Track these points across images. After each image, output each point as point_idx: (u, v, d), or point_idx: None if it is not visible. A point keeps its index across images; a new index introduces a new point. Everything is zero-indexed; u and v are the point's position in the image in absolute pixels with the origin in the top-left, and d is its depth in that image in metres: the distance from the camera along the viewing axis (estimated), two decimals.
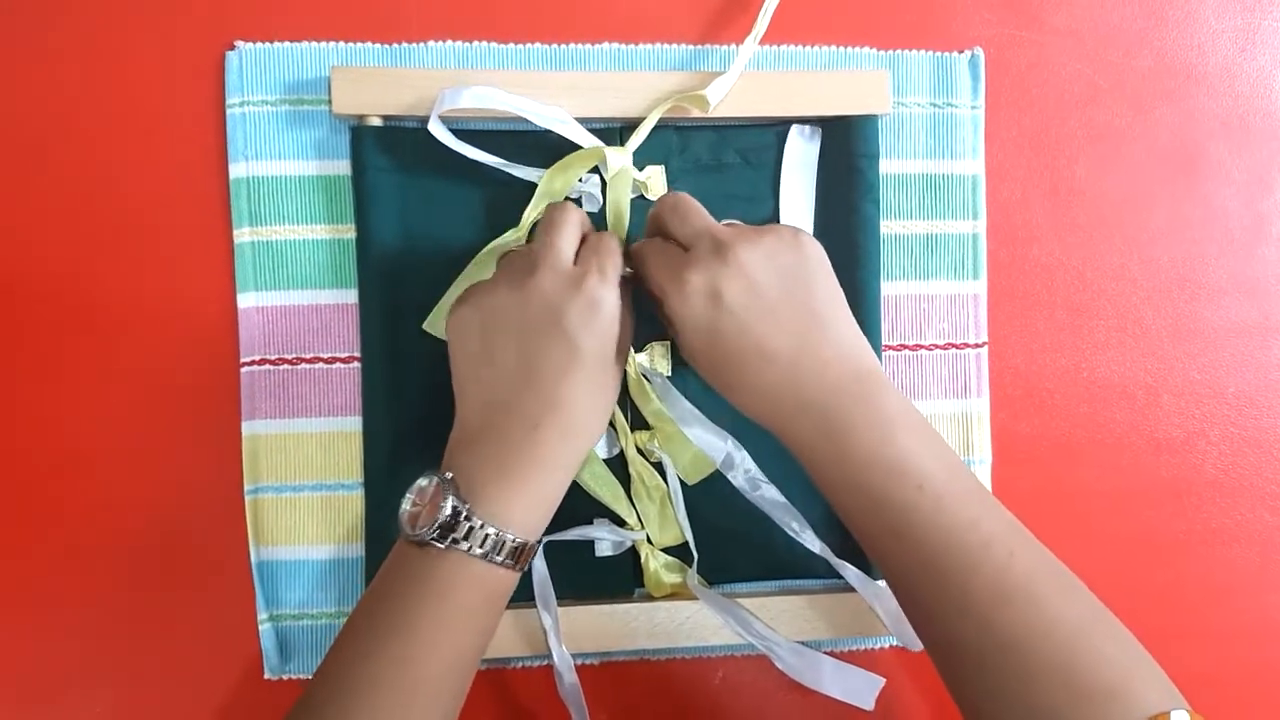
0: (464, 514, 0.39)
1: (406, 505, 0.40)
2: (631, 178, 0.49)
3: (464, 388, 0.43)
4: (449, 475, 0.40)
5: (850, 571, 0.50)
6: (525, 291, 0.41)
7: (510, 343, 0.42)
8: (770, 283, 0.41)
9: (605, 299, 0.41)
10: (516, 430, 0.41)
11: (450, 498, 0.39)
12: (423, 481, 0.40)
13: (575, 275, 0.42)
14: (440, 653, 0.39)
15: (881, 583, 0.51)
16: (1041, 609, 0.38)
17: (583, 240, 0.44)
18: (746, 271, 0.41)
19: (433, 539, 0.39)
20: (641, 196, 0.50)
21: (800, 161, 0.52)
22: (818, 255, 0.43)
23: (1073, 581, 0.39)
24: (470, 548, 0.39)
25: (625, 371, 0.50)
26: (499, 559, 0.39)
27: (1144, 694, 0.36)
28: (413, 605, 0.39)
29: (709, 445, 0.50)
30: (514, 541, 0.40)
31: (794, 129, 0.52)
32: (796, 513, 0.50)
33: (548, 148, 0.49)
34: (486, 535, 0.39)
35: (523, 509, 0.40)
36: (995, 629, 0.38)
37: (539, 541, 0.42)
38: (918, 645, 0.48)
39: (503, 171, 0.49)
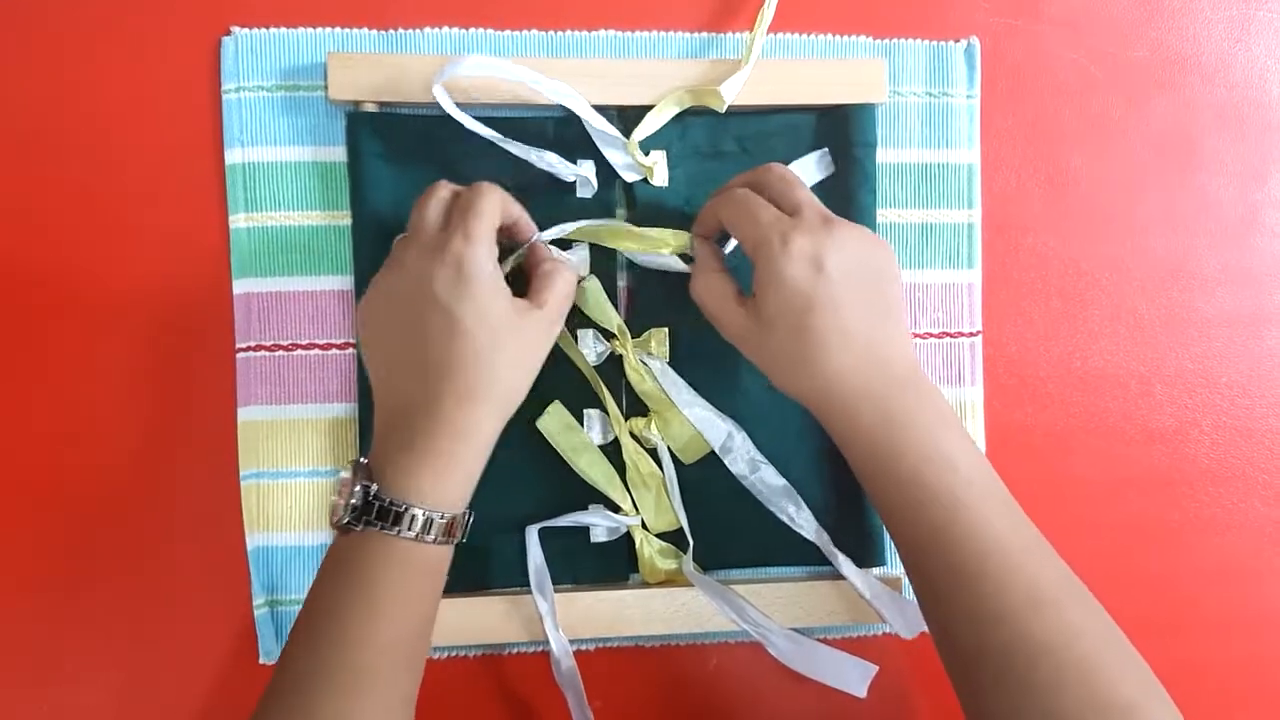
0: (372, 494, 0.39)
1: (333, 495, 0.41)
2: (632, 165, 0.50)
3: (372, 375, 0.44)
4: (362, 460, 0.41)
5: (842, 560, 0.50)
6: (398, 269, 0.42)
7: (394, 323, 0.42)
8: (863, 267, 0.42)
9: (471, 258, 0.41)
10: (415, 406, 0.41)
11: (359, 482, 0.39)
12: (343, 472, 0.41)
13: (438, 242, 0.41)
14: (378, 634, 0.38)
15: (873, 572, 0.51)
16: (1069, 619, 0.38)
17: None
18: (849, 250, 0.42)
19: (348, 524, 0.39)
20: (646, 181, 0.51)
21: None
22: (894, 257, 0.44)
23: (1090, 596, 0.40)
24: (384, 527, 0.39)
25: (621, 356, 0.50)
26: (418, 535, 0.39)
27: (1158, 713, 0.37)
28: (343, 592, 0.39)
29: (710, 427, 0.50)
30: (434, 516, 0.40)
31: (813, 156, 0.51)
32: (795, 495, 0.51)
33: (547, 134, 0.49)
34: (400, 513, 0.39)
35: (435, 482, 0.40)
36: (1028, 636, 0.38)
37: (467, 515, 0.42)
38: (910, 631, 0.49)
39: (498, 158, 0.49)
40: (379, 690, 0.38)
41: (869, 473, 0.43)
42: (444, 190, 0.44)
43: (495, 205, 0.43)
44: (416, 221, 0.43)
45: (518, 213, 0.45)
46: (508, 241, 0.47)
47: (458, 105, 0.48)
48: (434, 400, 0.41)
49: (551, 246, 0.48)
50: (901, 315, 0.44)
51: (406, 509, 0.39)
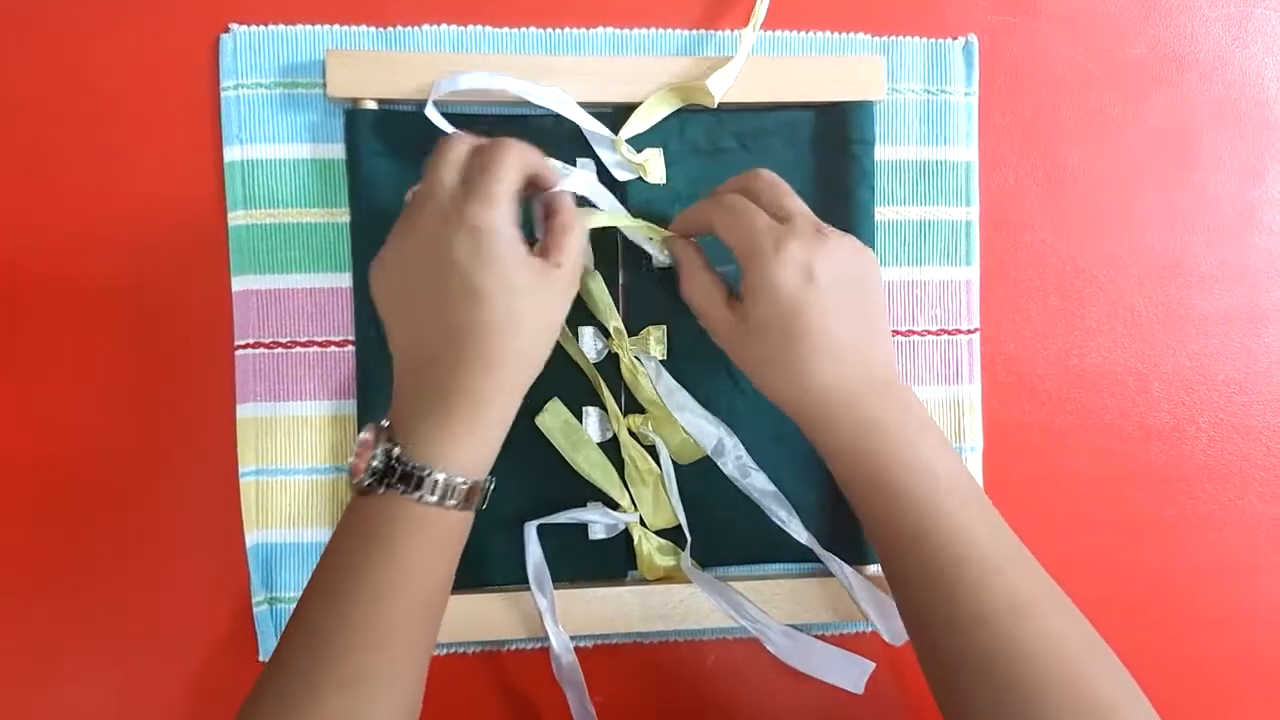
0: (395, 457, 0.38)
1: (351, 457, 0.40)
2: (623, 163, 0.50)
3: (390, 333, 0.42)
4: (384, 423, 0.40)
5: (835, 562, 0.50)
6: (413, 232, 0.41)
7: (413, 286, 0.41)
8: (849, 276, 0.42)
9: (490, 221, 0.39)
10: (434, 370, 0.40)
11: (381, 443, 0.39)
12: (364, 433, 0.40)
13: (455, 205, 0.40)
14: (394, 600, 0.38)
15: (868, 570, 0.51)
16: (1050, 623, 0.39)
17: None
18: (837, 259, 0.42)
19: (369, 486, 0.39)
20: (641, 179, 0.51)
21: None
22: (877, 266, 0.45)
23: (1070, 604, 0.40)
24: (405, 490, 0.38)
25: (608, 336, 0.50)
26: (440, 500, 0.39)
27: (1138, 717, 0.37)
28: (359, 556, 0.39)
29: (701, 431, 0.50)
30: (455, 482, 0.39)
31: None
32: (785, 501, 0.51)
33: (544, 132, 0.49)
34: (423, 478, 0.38)
35: (457, 448, 0.39)
36: (1008, 639, 0.38)
37: (488, 481, 0.41)
38: (899, 639, 0.49)
39: None
40: (399, 657, 0.38)
41: (849, 479, 0.43)
42: (462, 146, 0.42)
43: (515, 163, 0.41)
44: (431, 179, 0.41)
45: (540, 165, 0.43)
46: (529, 194, 0.45)
47: (455, 105, 0.48)
48: (457, 364, 0.40)
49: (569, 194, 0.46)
50: (884, 324, 0.44)
51: (428, 473, 0.38)
